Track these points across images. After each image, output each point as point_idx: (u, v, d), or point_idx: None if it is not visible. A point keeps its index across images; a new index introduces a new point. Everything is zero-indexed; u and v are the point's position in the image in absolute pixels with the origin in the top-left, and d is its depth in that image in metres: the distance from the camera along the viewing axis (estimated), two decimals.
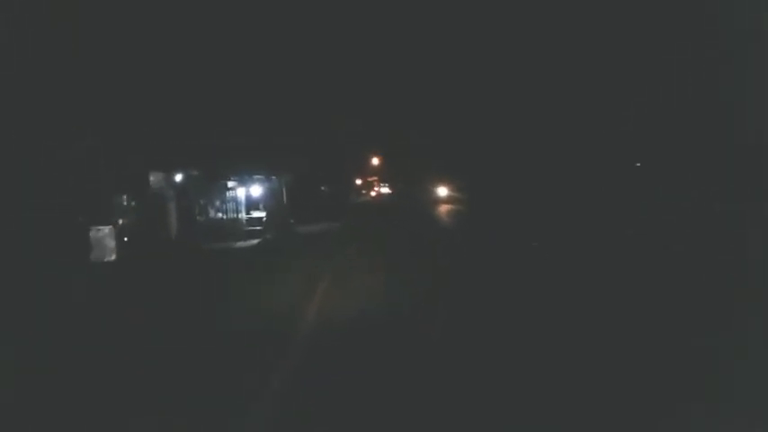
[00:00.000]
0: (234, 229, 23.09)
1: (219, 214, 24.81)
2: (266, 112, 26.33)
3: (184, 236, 19.88)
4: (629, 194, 21.48)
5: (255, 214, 25.25)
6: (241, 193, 25.80)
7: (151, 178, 19.12)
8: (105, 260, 12.76)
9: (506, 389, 5.19)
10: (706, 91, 18.43)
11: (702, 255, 11.13)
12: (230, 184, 25.05)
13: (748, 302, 7.12)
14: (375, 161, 66.46)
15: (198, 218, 23.29)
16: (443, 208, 36.39)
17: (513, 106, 32.39)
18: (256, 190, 26.19)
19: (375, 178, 75.55)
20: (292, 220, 27.02)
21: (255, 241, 20.96)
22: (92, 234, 12.86)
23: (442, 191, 46.00)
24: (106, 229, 13.07)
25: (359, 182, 69.53)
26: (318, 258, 14.46)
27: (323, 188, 45.61)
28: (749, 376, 4.88)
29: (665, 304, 7.81)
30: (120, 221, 16.95)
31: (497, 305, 8.62)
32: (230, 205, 25.07)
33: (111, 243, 13.02)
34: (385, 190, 74.22)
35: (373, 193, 72.49)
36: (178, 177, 20.85)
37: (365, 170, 69.16)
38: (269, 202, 26.24)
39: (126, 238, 15.56)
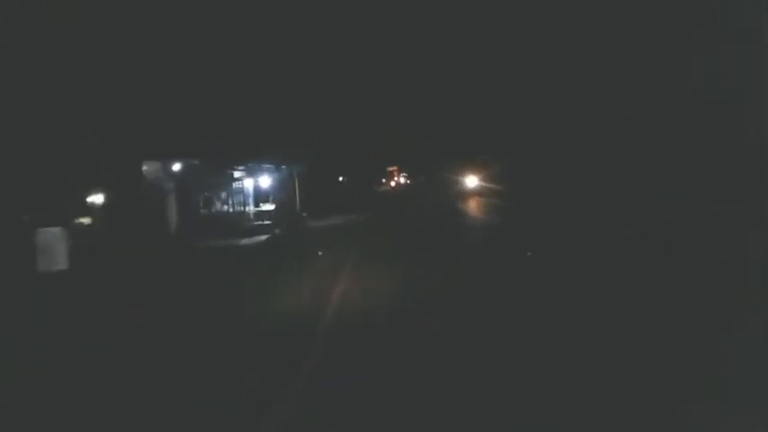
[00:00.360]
0: (239, 223, 20.99)
1: (225, 207, 22.58)
2: (275, 98, 24.14)
3: (184, 231, 18.08)
4: (629, 194, 21.46)
5: (265, 207, 23.24)
6: (249, 184, 23.73)
7: (145, 168, 16.99)
8: (54, 269, 10.26)
9: (509, 388, 5.20)
10: (706, 91, 18.41)
11: (702, 255, 11.12)
12: (237, 174, 22.78)
13: (748, 302, 7.12)
14: (394, 149, 57.90)
15: (202, 211, 21.06)
16: (473, 202, 31.31)
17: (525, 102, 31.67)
18: (265, 181, 23.79)
19: (395, 168, 68.58)
20: (305, 214, 24.90)
21: (263, 237, 19.03)
22: (38, 237, 10.24)
23: (471, 181, 39.29)
24: (55, 231, 10.50)
25: (378, 172, 64.27)
26: (330, 260, 13.04)
27: (341, 179, 42.87)
28: (749, 376, 4.88)
29: (664, 304, 7.81)
30: (84, 221, 14.63)
31: (500, 304, 8.65)
32: (237, 197, 23.04)
33: (62, 248, 10.40)
34: (404, 180, 68.26)
35: (393, 183, 66.98)
36: (177, 167, 18.74)
37: (384, 159, 62.10)
38: (279, 194, 24.08)
39: (85, 242, 13.00)
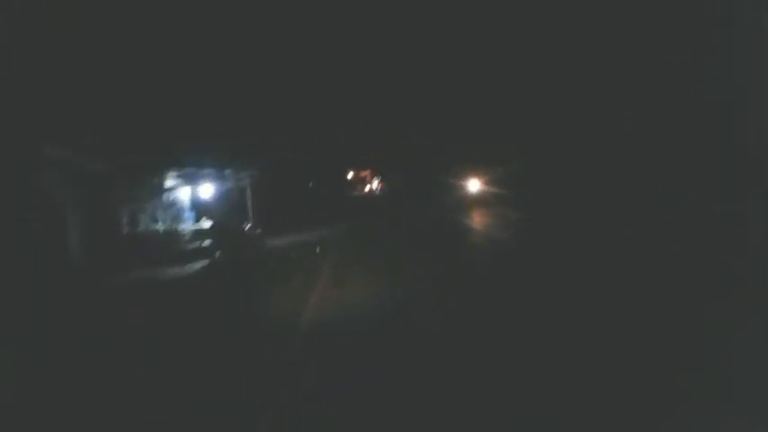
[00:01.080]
0: (171, 246, 16.35)
1: (158, 225, 17.51)
2: (218, 85, 19.02)
3: (90, 260, 13.38)
4: (629, 194, 21.47)
5: (207, 224, 18.67)
6: (185, 194, 18.92)
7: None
8: None
9: (508, 388, 5.20)
10: (706, 91, 18.42)
11: (702, 255, 11.13)
12: (169, 182, 17.70)
13: (748, 302, 7.13)
14: (366, 149, 45.18)
15: (125, 230, 16.20)
16: (478, 216, 23.82)
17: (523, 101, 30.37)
18: (207, 190, 19.08)
19: (367, 172, 57.75)
20: (259, 230, 19.74)
21: (200, 265, 14.76)
22: None
23: (474, 185, 31.44)
24: None
25: (349, 176, 54.84)
26: (284, 305, 9.42)
27: (310, 185, 37.17)
28: (749, 376, 4.88)
29: (664, 304, 7.81)
30: None
31: (497, 302, 8.65)
32: (171, 212, 18.17)
33: None
34: (377, 185, 58.16)
35: (367, 189, 57.98)
36: (80, 171, 13.86)
37: (356, 161, 51.05)
38: (221, 206, 19.20)
39: None
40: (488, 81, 30.69)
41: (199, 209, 19.39)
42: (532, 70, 28.95)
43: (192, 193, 19.25)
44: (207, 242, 17.02)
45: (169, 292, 11.88)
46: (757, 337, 5.79)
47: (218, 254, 16.08)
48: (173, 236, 17.35)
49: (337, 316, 8.50)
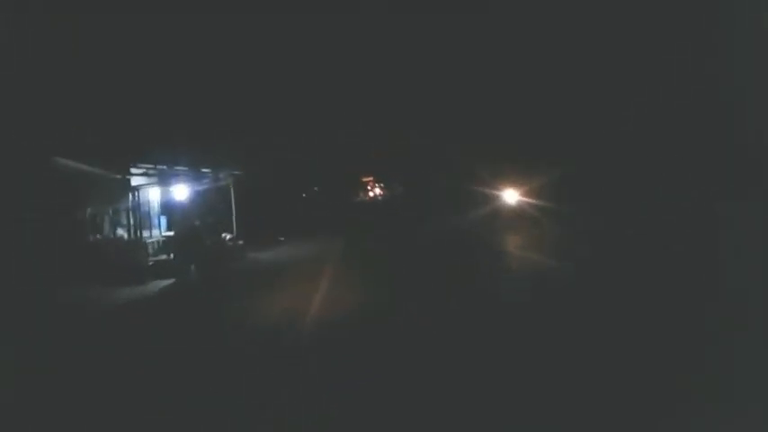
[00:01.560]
0: (131, 258, 13.61)
1: (121, 231, 14.84)
2: (204, 76, 17.14)
3: (27, 273, 10.68)
4: (629, 194, 21.47)
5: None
6: (155, 196, 16.07)
7: None
8: None
9: (508, 388, 5.20)
10: (706, 91, 18.43)
11: (702, 255, 11.13)
12: (136, 181, 14.88)
13: (748, 302, 7.13)
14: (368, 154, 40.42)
15: (78, 237, 13.74)
16: (514, 240, 18.47)
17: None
18: (182, 192, 16.03)
19: (370, 178, 53.76)
20: (240, 242, 17.00)
21: (163, 284, 12.60)
22: None
23: (511, 196, 26.18)
24: None
25: (352, 181, 50.23)
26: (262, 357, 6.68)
27: (315, 189, 34.43)
28: (749, 376, 4.89)
29: (665, 304, 7.81)
30: None
31: (508, 305, 8.67)
32: (137, 216, 15.03)
33: None
34: (380, 192, 54.13)
35: (371, 194, 54.04)
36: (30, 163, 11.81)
37: (359, 166, 46.35)
38: (198, 212, 15.83)
39: None
40: (502, 81, 29.00)
41: (171, 214, 16.28)
42: (531, 74, 28.82)
43: (160, 196, 16.23)
44: (174, 254, 14.10)
45: (105, 326, 9.06)
46: (757, 337, 5.79)
47: (185, 271, 13.25)
48: (136, 245, 14.38)
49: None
